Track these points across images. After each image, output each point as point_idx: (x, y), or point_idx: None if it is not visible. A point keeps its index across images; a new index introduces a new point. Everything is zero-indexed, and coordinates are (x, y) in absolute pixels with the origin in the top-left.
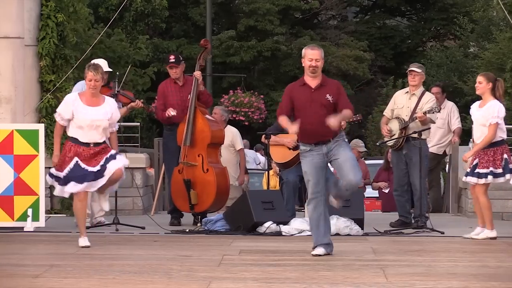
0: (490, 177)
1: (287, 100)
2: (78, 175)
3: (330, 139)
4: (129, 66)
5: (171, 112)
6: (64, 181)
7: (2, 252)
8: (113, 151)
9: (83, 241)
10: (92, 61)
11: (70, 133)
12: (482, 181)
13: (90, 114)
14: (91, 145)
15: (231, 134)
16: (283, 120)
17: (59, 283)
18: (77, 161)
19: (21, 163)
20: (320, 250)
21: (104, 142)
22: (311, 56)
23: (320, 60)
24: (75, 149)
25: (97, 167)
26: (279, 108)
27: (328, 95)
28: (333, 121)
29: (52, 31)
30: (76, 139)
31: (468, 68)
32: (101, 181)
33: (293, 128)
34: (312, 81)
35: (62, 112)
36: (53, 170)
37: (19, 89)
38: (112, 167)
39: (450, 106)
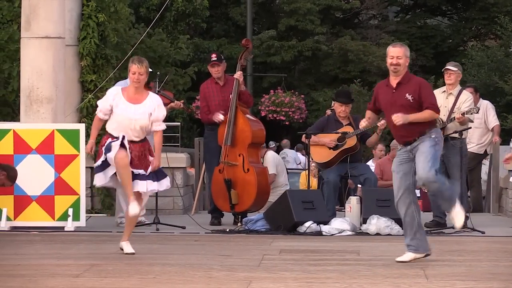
0: None
1: (373, 97)
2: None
3: (415, 138)
4: (171, 69)
5: (220, 117)
6: (103, 166)
7: (43, 251)
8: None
9: (127, 247)
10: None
11: (109, 127)
12: None
13: (129, 111)
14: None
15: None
16: (366, 114)
17: (100, 282)
18: None
19: (62, 163)
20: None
21: (144, 140)
22: (392, 53)
23: (402, 57)
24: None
25: (139, 171)
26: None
27: (407, 94)
28: (396, 116)
29: (93, 31)
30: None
31: (509, 67)
32: (147, 185)
33: (362, 123)
34: (394, 81)
35: (101, 106)
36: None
37: (60, 89)
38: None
39: (485, 105)
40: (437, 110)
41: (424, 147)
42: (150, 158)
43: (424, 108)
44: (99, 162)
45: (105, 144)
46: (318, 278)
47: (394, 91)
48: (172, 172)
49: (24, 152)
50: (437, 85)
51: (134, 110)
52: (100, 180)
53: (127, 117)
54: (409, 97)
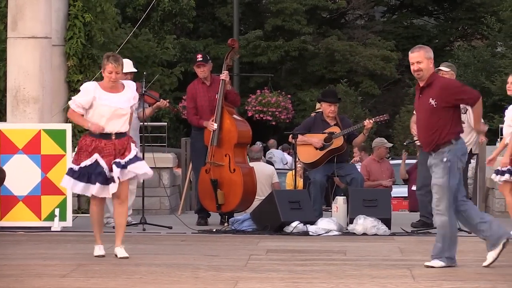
0: (507, 175)
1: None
2: (93, 173)
3: (430, 153)
4: (157, 69)
5: (214, 126)
6: (77, 176)
7: (29, 251)
8: (135, 151)
9: (99, 249)
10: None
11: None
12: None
13: (113, 101)
14: (113, 137)
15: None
16: (411, 126)
17: (86, 282)
18: (96, 159)
19: (48, 163)
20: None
21: (126, 134)
22: (411, 59)
23: (423, 61)
24: (96, 144)
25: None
26: None
27: (431, 99)
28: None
29: (79, 31)
30: None
31: (496, 67)
32: (113, 187)
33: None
34: (420, 85)
35: (80, 100)
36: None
37: (46, 89)
38: (137, 170)
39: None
40: (477, 95)
41: (437, 179)
42: (132, 146)
43: (466, 104)
44: (75, 168)
45: (94, 164)
46: (305, 278)
47: (420, 95)
48: (158, 172)
49: (11, 152)
50: None
51: (117, 99)
52: (67, 185)
53: (113, 107)
54: (432, 102)
